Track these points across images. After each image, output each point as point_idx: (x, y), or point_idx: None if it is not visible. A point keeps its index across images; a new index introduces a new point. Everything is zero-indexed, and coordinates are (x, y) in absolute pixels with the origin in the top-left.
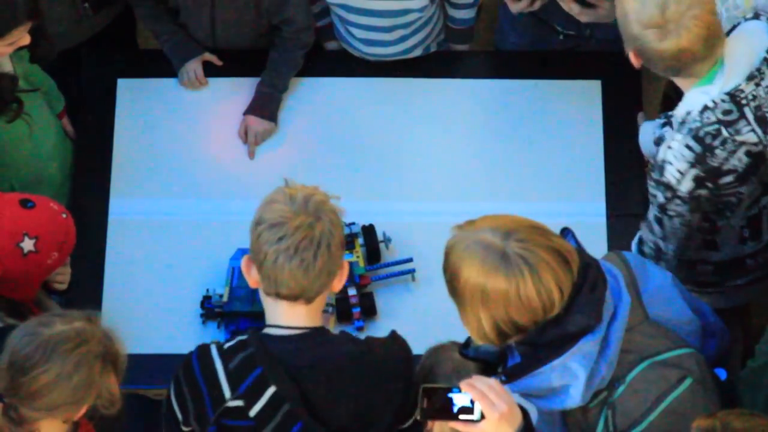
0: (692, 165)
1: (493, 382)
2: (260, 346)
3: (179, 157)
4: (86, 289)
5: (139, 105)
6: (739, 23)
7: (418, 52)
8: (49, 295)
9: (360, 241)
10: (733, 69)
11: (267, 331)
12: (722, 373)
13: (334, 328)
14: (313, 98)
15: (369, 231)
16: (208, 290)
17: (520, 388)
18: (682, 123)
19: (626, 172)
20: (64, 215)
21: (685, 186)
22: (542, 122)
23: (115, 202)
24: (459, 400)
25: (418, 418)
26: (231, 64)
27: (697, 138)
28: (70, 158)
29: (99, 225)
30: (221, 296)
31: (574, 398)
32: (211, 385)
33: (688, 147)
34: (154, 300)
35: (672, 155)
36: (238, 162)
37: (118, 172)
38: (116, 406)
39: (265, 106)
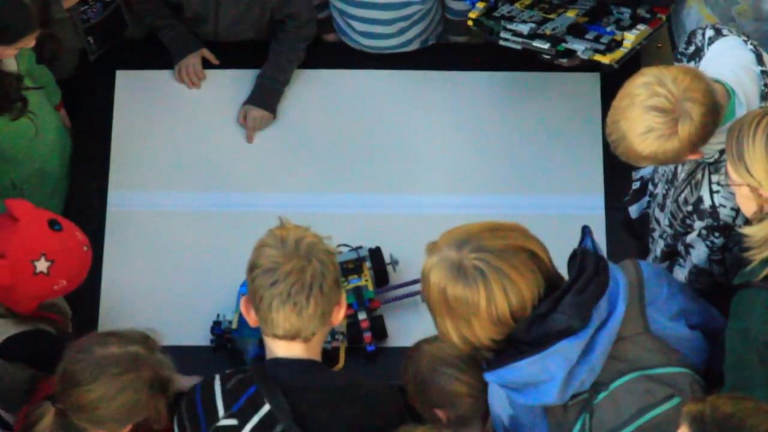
0: None
1: None
2: (258, 369)
3: (178, 148)
4: (85, 281)
5: (138, 96)
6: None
7: (416, 45)
8: None
9: (368, 264)
10: (747, 93)
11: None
12: None
13: (344, 353)
14: (312, 89)
15: (376, 254)
16: (219, 315)
17: (497, 379)
18: (715, 163)
19: (624, 165)
20: (85, 248)
21: (741, 218)
22: (541, 115)
23: (114, 194)
24: None
25: None
26: (231, 56)
27: None
28: (69, 151)
29: (97, 217)
30: (230, 322)
31: (550, 396)
32: (207, 406)
33: None
34: (152, 291)
35: (722, 197)
36: (237, 153)
37: (117, 163)
38: (163, 424)
39: (265, 98)
